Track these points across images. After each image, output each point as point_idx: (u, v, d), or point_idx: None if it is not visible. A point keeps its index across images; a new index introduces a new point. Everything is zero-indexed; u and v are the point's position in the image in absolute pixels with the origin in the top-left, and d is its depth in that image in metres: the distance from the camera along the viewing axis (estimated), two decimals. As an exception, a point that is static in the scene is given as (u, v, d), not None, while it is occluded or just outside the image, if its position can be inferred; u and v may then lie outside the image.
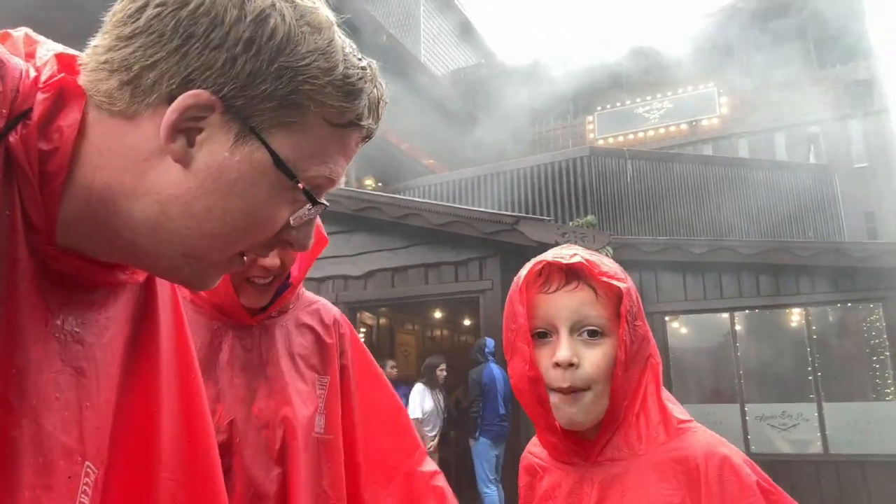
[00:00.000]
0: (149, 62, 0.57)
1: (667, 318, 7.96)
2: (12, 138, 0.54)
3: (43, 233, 0.57)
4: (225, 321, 1.33)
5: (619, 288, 1.03)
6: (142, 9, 0.57)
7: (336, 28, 0.63)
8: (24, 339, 0.55)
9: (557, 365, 1.01)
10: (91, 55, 0.60)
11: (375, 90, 0.66)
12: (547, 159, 10.78)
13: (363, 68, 0.64)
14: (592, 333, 1.02)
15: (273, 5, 0.58)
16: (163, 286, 0.76)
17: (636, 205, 10.41)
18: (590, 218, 8.27)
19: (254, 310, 1.34)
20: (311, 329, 1.44)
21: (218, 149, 0.58)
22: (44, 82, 0.57)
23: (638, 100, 15.98)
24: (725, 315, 8.20)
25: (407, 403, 7.06)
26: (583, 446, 1.04)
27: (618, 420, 1.01)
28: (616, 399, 1.01)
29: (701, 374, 8.22)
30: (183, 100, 0.56)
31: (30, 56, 0.61)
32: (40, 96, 0.56)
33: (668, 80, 15.36)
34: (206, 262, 0.62)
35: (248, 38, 0.57)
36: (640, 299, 1.08)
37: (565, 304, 1.03)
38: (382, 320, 10.34)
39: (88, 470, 0.62)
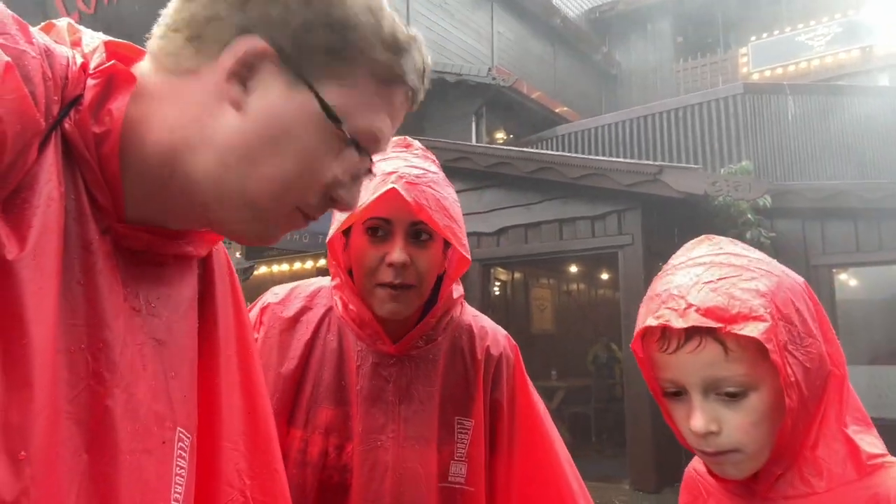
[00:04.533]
0: (211, 15, 0.61)
1: (834, 271, 7.20)
2: (67, 125, 0.57)
3: (111, 211, 0.61)
4: (368, 345, 1.19)
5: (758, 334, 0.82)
6: None
7: None
8: (105, 315, 0.58)
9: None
10: (160, 24, 0.63)
11: (421, 58, 0.69)
12: (694, 100, 9.85)
13: (411, 33, 0.68)
14: (732, 394, 0.86)
15: None
16: (219, 262, 0.79)
17: (799, 146, 9.33)
18: (745, 164, 7.48)
19: (396, 335, 1.20)
20: (462, 360, 1.25)
21: (272, 96, 0.62)
22: (94, 69, 0.60)
23: (800, 25, 14.22)
24: (905, 266, 7.27)
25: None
26: (749, 479, 0.91)
27: (789, 455, 0.87)
28: (786, 440, 0.86)
29: (873, 331, 7.39)
30: (239, 45, 0.60)
31: (75, 45, 0.63)
32: (91, 82, 0.59)
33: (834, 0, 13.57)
34: (265, 211, 0.65)
35: None
36: (802, 309, 0.87)
37: (689, 366, 0.87)
38: (517, 275, 10.21)
39: (181, 435, 0.66)
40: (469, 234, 7.29)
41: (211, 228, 0.70)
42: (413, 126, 10.29)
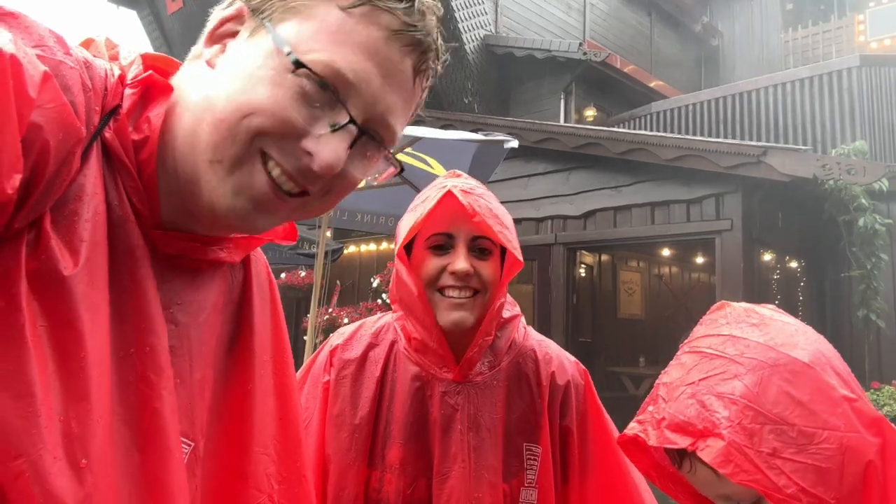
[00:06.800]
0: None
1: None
2: (107, 133, 0.59)
3: (148, 218, 0.63)
4: (434, 373, 1.23)
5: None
6: None
7: None
8: (152, 319, 0.60)
9: None
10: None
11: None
12: (803, 74, 9.12)
13: None
14: None
15: None
16: (258, 267, 0.80)
17: (922, 124, 8.52)
18: (859, 144, 6.88)
19: (461, 358, 1.22)
20: (527, 386, 1.27)
21: (238, 44, 0.64)
22: (131, 79, 0.62)
23: (928, -12, 12.93)
24: None
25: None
26: None
27: None
28: None
29: None
30: (217, 12, 0.65)
31: (113, 58, 0.65)
32: (128, 91, 0.61)
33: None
34: (227, 161, 0.61)
35: None
36: (805, 398, 0.73)
37: (697, 486, 0.83)
38: (604, 257, 9.92)
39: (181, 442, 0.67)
40: (554, 217, 7.03)
41: (205, 222, 0.67)
42: (498, 106, 10.12)
